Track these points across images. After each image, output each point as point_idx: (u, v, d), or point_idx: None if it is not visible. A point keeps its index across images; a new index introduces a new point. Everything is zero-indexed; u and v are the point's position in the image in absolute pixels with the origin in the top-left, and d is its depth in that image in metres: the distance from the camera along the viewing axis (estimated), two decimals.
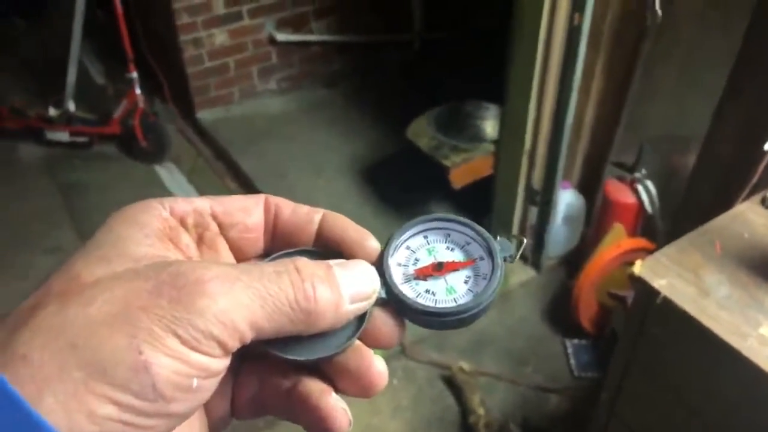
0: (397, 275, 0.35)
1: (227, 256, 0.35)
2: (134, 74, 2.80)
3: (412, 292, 0.35)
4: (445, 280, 0.35)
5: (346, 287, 0.32)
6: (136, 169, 3.00)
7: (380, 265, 0.35)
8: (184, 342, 0.27)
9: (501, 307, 2.27)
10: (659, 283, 1.16)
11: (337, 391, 0.33)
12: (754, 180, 1.31)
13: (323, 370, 0.34)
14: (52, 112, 2.94)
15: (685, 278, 1.18)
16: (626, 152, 2.10)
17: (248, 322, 0.28)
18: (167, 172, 2.99)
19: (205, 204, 0.34)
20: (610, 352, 2.01)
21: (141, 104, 2.87)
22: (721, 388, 1.18)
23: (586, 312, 2.11)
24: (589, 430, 1.57)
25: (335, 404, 0.32)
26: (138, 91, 2.84)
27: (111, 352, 0.26)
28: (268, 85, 3.40)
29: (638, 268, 1.19)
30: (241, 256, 0.35)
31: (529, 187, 2.25)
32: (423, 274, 0.35)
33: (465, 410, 1.95)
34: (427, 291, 0.35)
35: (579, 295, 2.07)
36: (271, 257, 0.34)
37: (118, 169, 3.00)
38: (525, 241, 0.38)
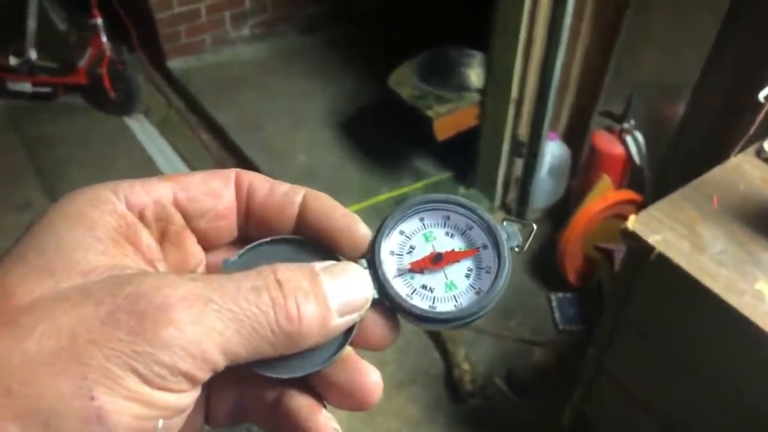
0: (390, 268, 0.30)
1: (195, 252, 0.30)
2: (98, 20, 2.65)
3: (407, 288, 0.30)
4: (445, 274, 0.31)
5: (335, 298, 0.27)
6: (105, 122, 2.87)
7: (371, 258, 0.30)
8: (146, 380, 0.22)
9: None
10: (654, 239, 1.13)
11: (326, 403, 0.29)
12: (751, 131, 1.27)
13: (310, 382, 0.29)
14: (13, 61, 2.78)
15: (680, 233, 1.14)
16: (615, 102, 2.05)
17: (221, 350, 0.23)
18: (138, 125, 2.87)
19: (166, 191, 0.29)
20: (594, 306, 2.01)
21: (108, 52, 2.72)
22: (716, 345, 1.16)
23: (572, 265, 2.09)
24: (574, 383, 1.57)
25: (326, 424, 0.28)
26: (104, 38, 2.69)
27: (55, 399, 0.21)
28: (241, 32, 3.25)
29: (632, 223, 1.15)
30: (210, 246, 0.30)
31: (515, 139, 2.19)
32: (419, 268, 0.31)
33: (449, 364, 1.94)
34: (424, 287, 0.30)
35: (565, 248, 2.04)
36: (245, 249, 0.30)
37: (86, 121, 2.87)
38: (535, 228, 0.33)
